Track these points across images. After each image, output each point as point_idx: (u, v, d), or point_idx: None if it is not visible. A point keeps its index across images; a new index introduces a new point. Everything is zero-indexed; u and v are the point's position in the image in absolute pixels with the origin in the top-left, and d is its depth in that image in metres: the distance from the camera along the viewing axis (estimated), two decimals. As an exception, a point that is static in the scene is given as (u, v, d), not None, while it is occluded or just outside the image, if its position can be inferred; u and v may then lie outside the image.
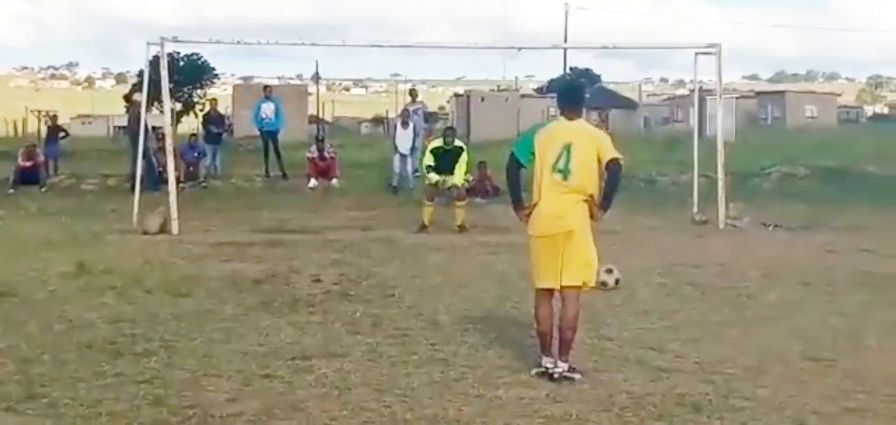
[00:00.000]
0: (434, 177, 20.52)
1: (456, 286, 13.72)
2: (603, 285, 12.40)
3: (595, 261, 9.29)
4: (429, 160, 20.77)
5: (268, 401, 8.21)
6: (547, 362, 9.04)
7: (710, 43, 21.63)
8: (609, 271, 13.06)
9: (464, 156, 20.86)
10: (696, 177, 22.86)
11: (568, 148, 8.94)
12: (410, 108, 32.04)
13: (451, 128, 23.46)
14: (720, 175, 21.24)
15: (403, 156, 29.40)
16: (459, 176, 20.73)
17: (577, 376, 8.88)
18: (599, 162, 8.94)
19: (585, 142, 9.03)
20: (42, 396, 8.28)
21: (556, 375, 8.86)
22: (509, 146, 10.12)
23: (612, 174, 8.95)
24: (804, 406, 8.16)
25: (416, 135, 30.38)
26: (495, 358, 9.64)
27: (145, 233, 19.05)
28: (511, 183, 9.55)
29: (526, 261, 9.75)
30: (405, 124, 30.13)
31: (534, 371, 9.06)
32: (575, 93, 9.90)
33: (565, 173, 8.92)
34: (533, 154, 9.17)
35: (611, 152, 8.97)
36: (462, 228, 19.90)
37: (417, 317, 11.57)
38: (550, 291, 9.20)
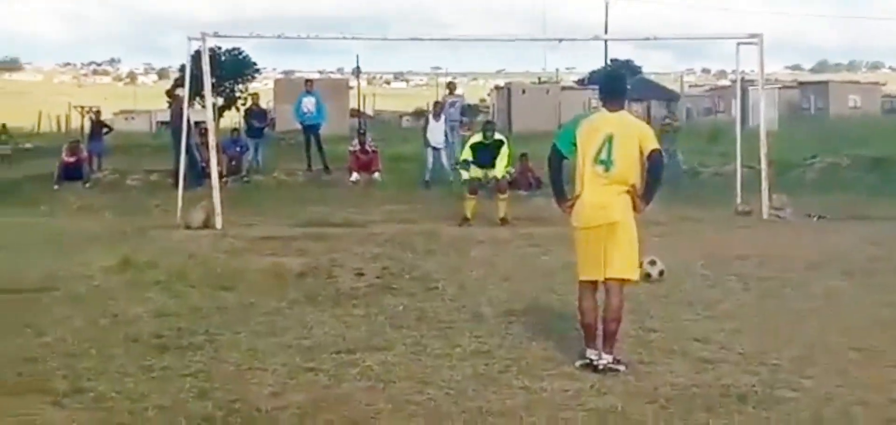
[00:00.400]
0: (475, 171, 20.51)
1: (499, 278, 13.72)
2: (646, 277, 12.38)
3: (638, 252, 9.30)
4: (467, 155, 20.74)
5: (312, 395, 8.23)
6: (591, 354, 9.04)
7: (751, 33, 21.51)
8: (652, 263, 13.03)
9: (504, 149, 20.84)
10: (740, 168, 22.75)
11: (610, 139, 8.90)
12: (447, 101, 32.03)
13: (490, 122, 23.43)
14: (763, 165, 21.15)
15: (436, 150, 29.36)
16: (501, 168, 20.69)
17: (621, 368, 8.87)
18: (642, 153, 8.90)
19: (627, 133, 8.99)
20: (88, 390, 8.33)
21: (600, 367, 8.84)
22: (551, 138, 10.10)
23: (654, 165, 8.91)
24: (850, 397, 8.11)
25: (451, 128, 30.39)
26: (539, 351, 9.63)
27: (188, 227, 19.13)
28: (553, 175, 9.53)
29: (569, 253, 9.76)
30: (437, 117, 30.11)
31: (578, 363, 9.04)
32: (616, 83, 9.83)
33: (607, 164, 8.89)
34: (575, 145, 9.13)
35: (652, 143, 8.95)
36: (504, 221, 19.90)
37: (460, 310, 11.57)
38: (594, 283, 9.19)
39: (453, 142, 30.04)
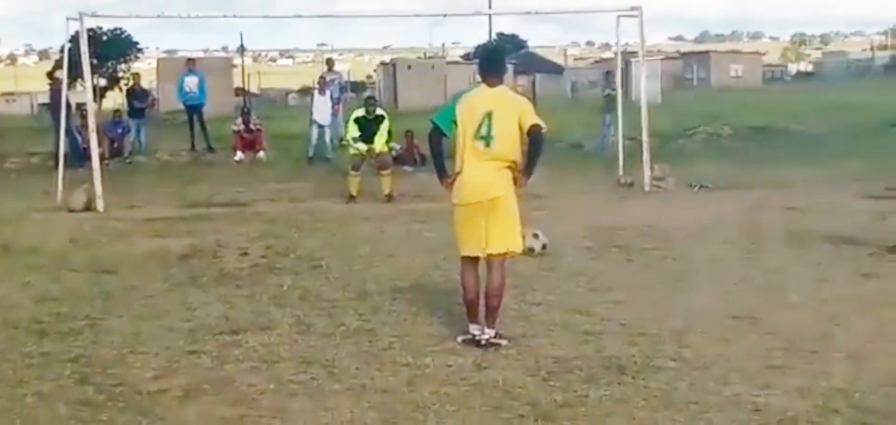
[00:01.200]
0: (360, 146, 20.49)
1: (383, 256, 13.74)
2: (530, 250, 12.42)
3: (519, 227, 9.37)
4: (353, 131, 20.71)
5: (195, 377, 8.19)
6: (474, 329, 9.10)
7: (632, 6, 21.72)
8: (535, 236, 13.12)
9: (385, 125, 20.79)
10: (621, 140, 23.00)
11: (489, 115, 8.89)
12: (327, 77, 31.97)
13: (371, 97, 23.36)
14: (645, 137, 21.37)
15: (321, 127, 29.32)
16: (380, 144, 20.65)
17: (503, 342, 8.97)
18: (521, 129, 8.94)
19: (507, 109, 8.99)
20: (-34, 378, 8.21)
21: (483, 342, 8.92)
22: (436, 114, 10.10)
23: (534, 140, 8.93)
24: (728, 364, 8.26)
25: (334, 104, 30.38)
26: (423, 327, 9.68)
27: (71, 210, 18.88)
28: (434, 152, 9.54)
29: (450, 227, 9.78)
30: (322, 92, 30.07)
31: (461, 338, 9.09)
32: (494, 58, 9.82)
33: (488, 140, 8.89)
34: (455, 122, 9.12)
35: (532, 118, 8.94)
36: (389, 197, 19.92)
37: (345, 288, 11.56)
38: (476, 259, 9.23)
39: (336, 118, 30.03)
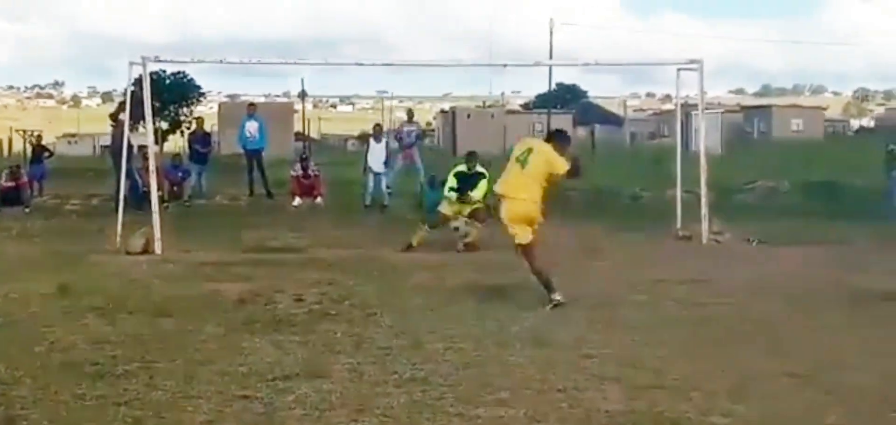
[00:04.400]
0: (453, 205, 20.61)
1: (438, 305, 13.71)
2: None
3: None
4: (451, 183, 20.69)
5: (247, 422, 8.20)
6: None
7: (691, 58, 21.67)
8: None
9: (484, 182, 20.64)
10: (679, 193, 22.90)
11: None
12: (405, 128, 32.24)
13: (472, 152, 23.21)
14: (703, 191, 21.27)
15: (376, 174, 29.46)
16: (479, 194, 20.64)
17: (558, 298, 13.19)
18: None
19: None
20: (22, 419, 8.25)
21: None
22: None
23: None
24: (782, 422, 8.17)
25: (410, 155, 30.70)
26: (476, 378, 9.63)
27: (129, 253, 19.01)
28: None
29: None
30: (378, 139, 30.25)
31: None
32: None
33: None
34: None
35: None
36: (470, 247, 19.74)
37: (399, 336, 11.54)
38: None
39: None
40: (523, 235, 13.68)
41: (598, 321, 12.39)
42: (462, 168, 21.18)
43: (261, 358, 10.47)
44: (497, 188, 14.30)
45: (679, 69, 22.45)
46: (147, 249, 19.21)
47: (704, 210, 21.19)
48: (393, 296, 14.41)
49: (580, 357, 10.46)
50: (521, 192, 13.73)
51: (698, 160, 22.27)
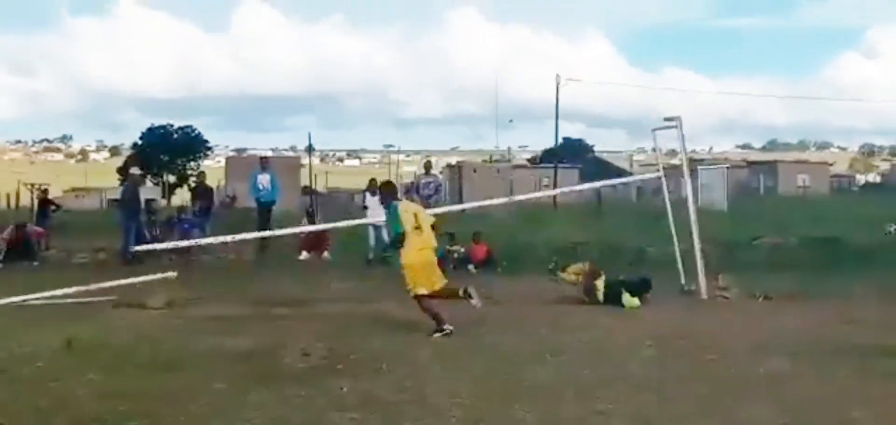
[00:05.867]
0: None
1: (444, 359, 13.69)
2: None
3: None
4: None
5: (253, 478, 8.20)
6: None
7: (667, 117, 21.83)
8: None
9: None
10: (678, 248, 22.90)
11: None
12: (422, 180, 32.31)
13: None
14: (696, 245, 21.35)
15: (377, 228, 29.51)
16: None
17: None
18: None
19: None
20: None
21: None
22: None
23: None
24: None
25: (427, 206, 30.79)
26: (482, 433, 9.64)
27: (151, 308, 18.95)
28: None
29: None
30: (373, 193, 30.34)
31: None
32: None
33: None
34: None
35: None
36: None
37: (405, 391, 11.54)
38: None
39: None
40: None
41: (607, 376, 12.38)
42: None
43: (267, 413, 10.48)
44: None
45: (654, 131, 22.70)
46: (169, 306, 19.20)
47: (700, 264, 21.21)
48: (398, 351, 14.39)
49: (591, 413, 10.46)
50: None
51: (703, 216, 22.28)
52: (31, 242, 30.93)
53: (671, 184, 24.37)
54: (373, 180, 32.44)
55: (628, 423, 10.01)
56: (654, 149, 26.90)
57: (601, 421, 10.14)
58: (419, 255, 15.91)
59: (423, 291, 15.82)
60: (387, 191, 17.02)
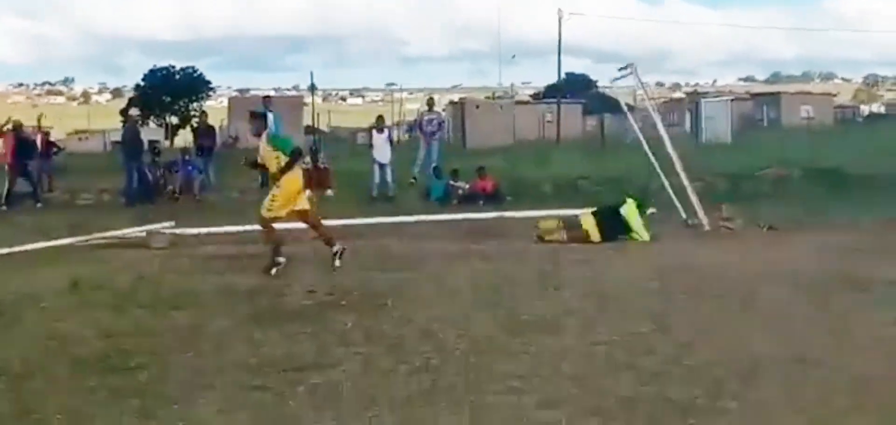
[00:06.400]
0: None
1: (448, 293, 13.71)
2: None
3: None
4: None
5: (258, 413, 8.22)
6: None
7: (621, 66, 22.40)
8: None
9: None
10: (666, 182, 22.95)
11: None
12: (425, 117, 32.27)
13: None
14: (683, 178, 21.50)
15: (382, 166, 29.55)
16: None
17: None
18: None
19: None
20: (34, 412, 8.29)
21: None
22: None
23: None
24: (792, 407, 8.18)
25: (430, 142, 30.80)
26: (486, 366, 9.64)
27: (156, 248, 19.00)
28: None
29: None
30: (380, 130, 30.38)
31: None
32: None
33: None
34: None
35: None
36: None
37: (409, 326, 11.56)
38: None
39: (431, 154, 30.49)
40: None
41: (608, 309, 12.40)
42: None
43: (272, 349, 10.50)
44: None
45: (613, 80, 23.15)
46: (173, 245, 19.29)
47: (694, 198, 21.28)
48: (402, 286, 14.40)
49: (591, 344, 10.48)
50: None
51: (707, 149, 22.33)
52: (30, 147, 31.06)
53: (675, 118, 24.50)
54: (380, 117, 32.46)
55: (630, 353, 10.02)
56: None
57: (603, 351, 10.15)
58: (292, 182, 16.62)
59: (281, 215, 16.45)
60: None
